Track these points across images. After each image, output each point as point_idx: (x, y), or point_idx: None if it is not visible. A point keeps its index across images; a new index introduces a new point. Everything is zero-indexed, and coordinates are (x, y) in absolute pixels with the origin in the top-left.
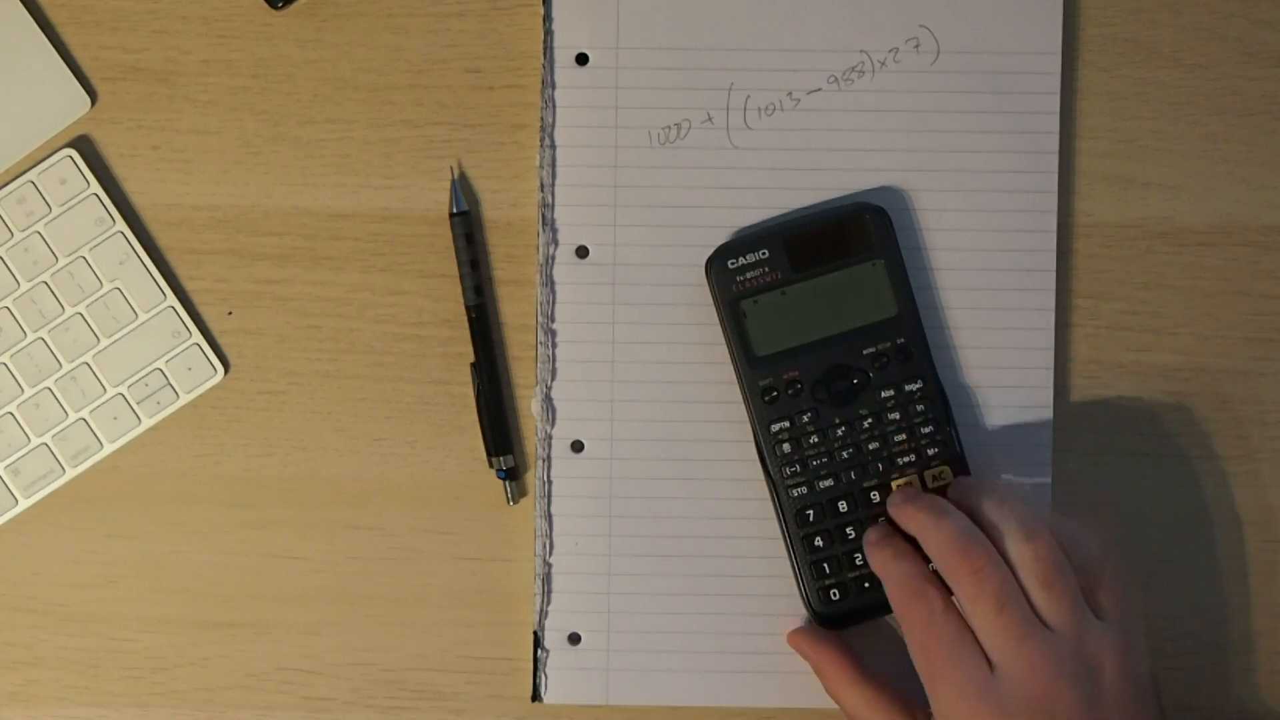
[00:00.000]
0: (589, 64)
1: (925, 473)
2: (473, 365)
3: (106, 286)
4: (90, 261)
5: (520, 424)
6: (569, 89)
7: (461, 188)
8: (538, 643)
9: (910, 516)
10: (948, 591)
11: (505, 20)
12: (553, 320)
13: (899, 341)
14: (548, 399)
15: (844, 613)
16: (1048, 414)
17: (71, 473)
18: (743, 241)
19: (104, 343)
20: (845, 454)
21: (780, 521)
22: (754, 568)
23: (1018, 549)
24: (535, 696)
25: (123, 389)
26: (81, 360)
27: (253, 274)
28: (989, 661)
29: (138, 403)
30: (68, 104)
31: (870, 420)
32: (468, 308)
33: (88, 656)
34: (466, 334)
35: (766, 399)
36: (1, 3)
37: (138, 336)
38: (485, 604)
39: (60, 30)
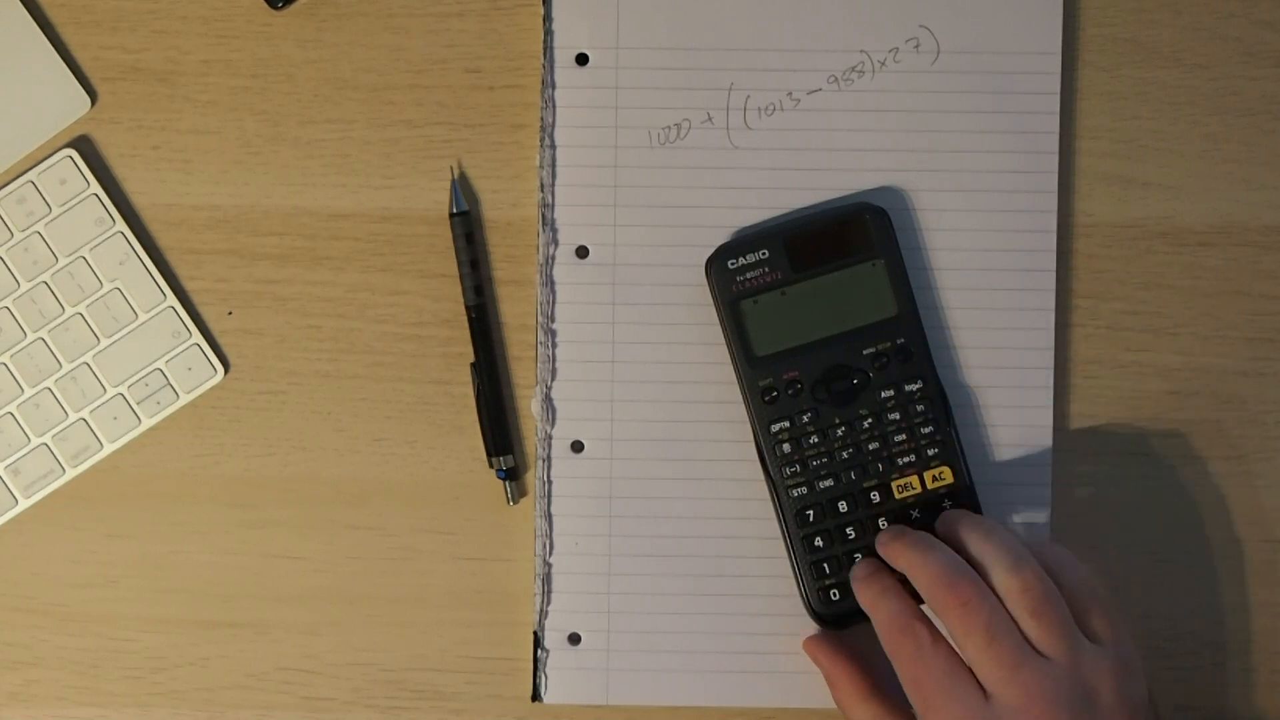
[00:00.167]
0: (589, 64)
1: (925, 473)
2: (473, 365)
3: (106, 286)
4: (90, 261)
5: (520, 424)
6: (569, 89)
7: (461, 188)
8: (538, 643)
9: (898, 554)
10: (936, 628)
11: (505, 20)
12: (553, 320)
13: (899, 341)
14: (548, 399)
15: (844, 613)
16: (1047, 414)
17: (71, 473)
18: (743, 241)
19: (104, 343)
20: (845, 454)
21: (780, 521)
22: (754, 568)
23: (1005, 581)
24: (535, 696)
25: (123, 389)
26: (81, 360)
27: (253, 274)
28: (985, 693)
29: (138, 403)
30: (68, 104)
31: (870, 420)
32: (468, 308)
33: (88, 656)
34: (466, 334)
35: (766, 399)
36: (1, 3)
37: (138, 336)
38: (485, 604)
39: (60, 30)
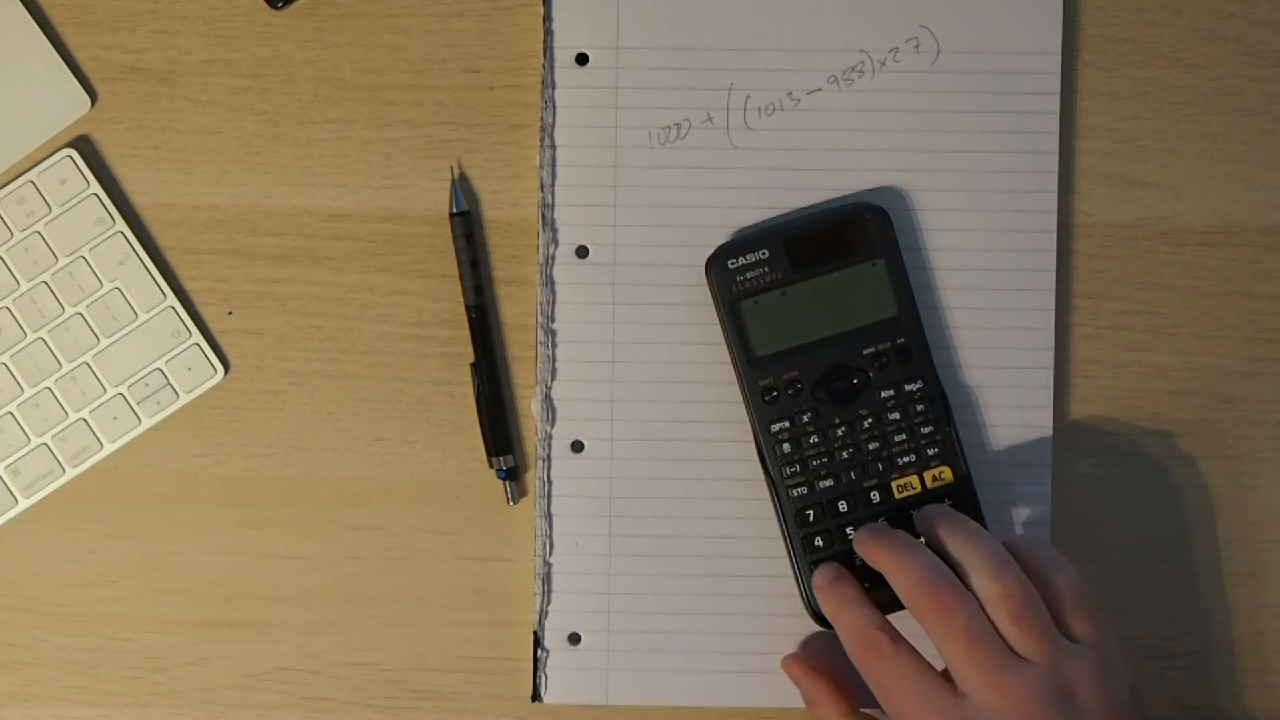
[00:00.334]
0: (589, 64)
1: (925, 472)
2: (473, 365)
3: (106, 286)
4: (90, 261)
5: (520, 424)
6: (569, 89)
7: (461, 188)
8: (538, 643)
9: (877, 555)
10: (899, 633)
11: (505, 20)
12: (553, 320)
13: (899, 341)
14: (548, 399)
15: None
16: (1047, 414)
17: (71, 473)
18: (743, 241)
19: (104, 343)
20: (845, 454)
21: (780, 521)
22: (754, 568)
23: (986, 587)
24: (535, 696)
25: (123, 389)
26: (81, 360)
27: (253, 274)
28: (958, 693)
29: (138, 403)
30: (68, 104)
31: (870, 420)
32: (468, 308)
33: (88, 656)
34: (466, 334)
35: (766, 399)
36: (2, 3)
37: (138, 336)
38: (485, 604)
39: (60, 30)
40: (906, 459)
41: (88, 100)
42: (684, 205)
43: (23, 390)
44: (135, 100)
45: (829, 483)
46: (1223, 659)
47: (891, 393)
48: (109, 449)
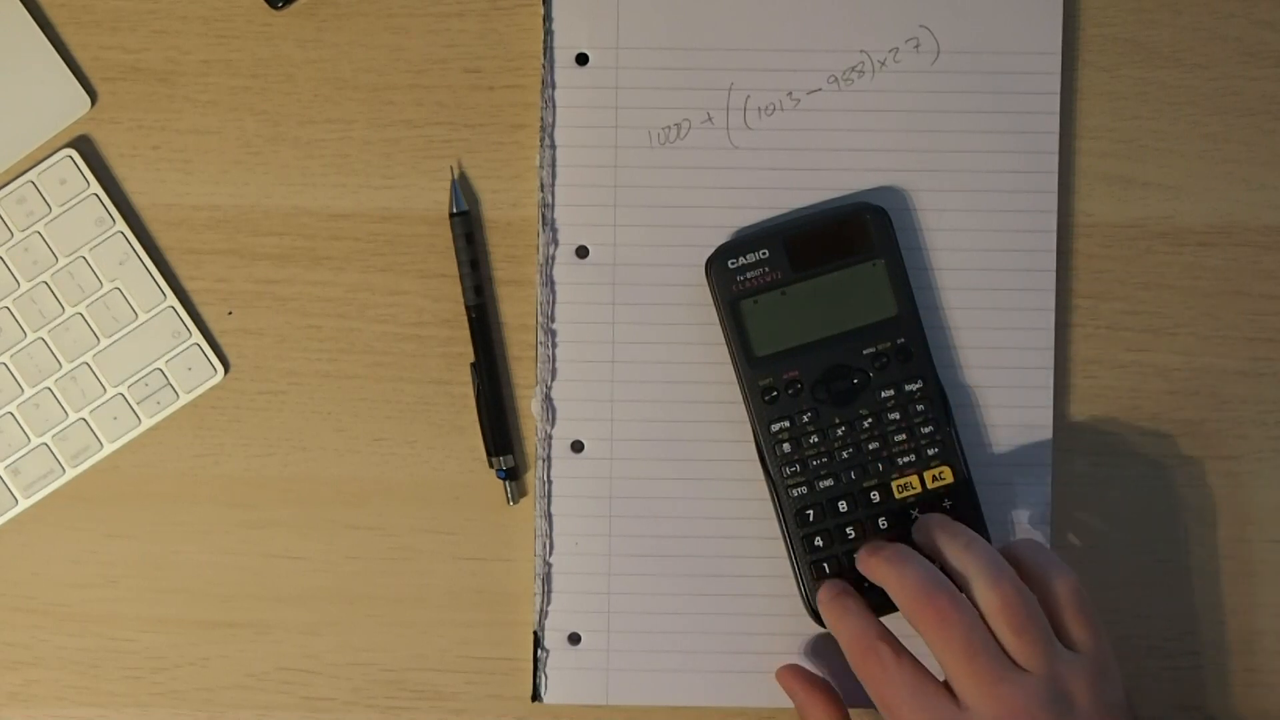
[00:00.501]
0: (589, 64)
1: (925, 472)
2: (473, 365)
3: (106, 286)
4: (90, 261)
5: (520, 424)
6: (569, 89)
7: (461, 188)
8: (538, 643)
9: (875, 568)
10: (900, 644)
11: (505, 20)
12: (553, 320)
13: (899, 341)
14: (548, 399)
15: None
16: (1048, 414)
17: (71, 473)
18: (743, 241)
19: (104, 343)
20: (845, 454)
21: (780, 521)
22: (754, 568)
23: (985, 596)
24: (535, 696)
25: (123, 389)
26: (81, 360)
27: (253, 274)
28: (959, 703)
29: (138, 403)
30: (68, 104)
31: (870, 420)
32: (468, 308)
33: (88, 656)
34: (466, 334)
35: (766, 399)
36: (2, 3)
37: (138, 336)
38: (485, 604)
39: (60, 30)
40: (906, 459)
41: (88, 100)
42: (684, 205)
43: (23, 390)
44: (135, 100)
45: (829, 483)
46: (1222, 659)
47: (891, 393)
48: (109, 449)
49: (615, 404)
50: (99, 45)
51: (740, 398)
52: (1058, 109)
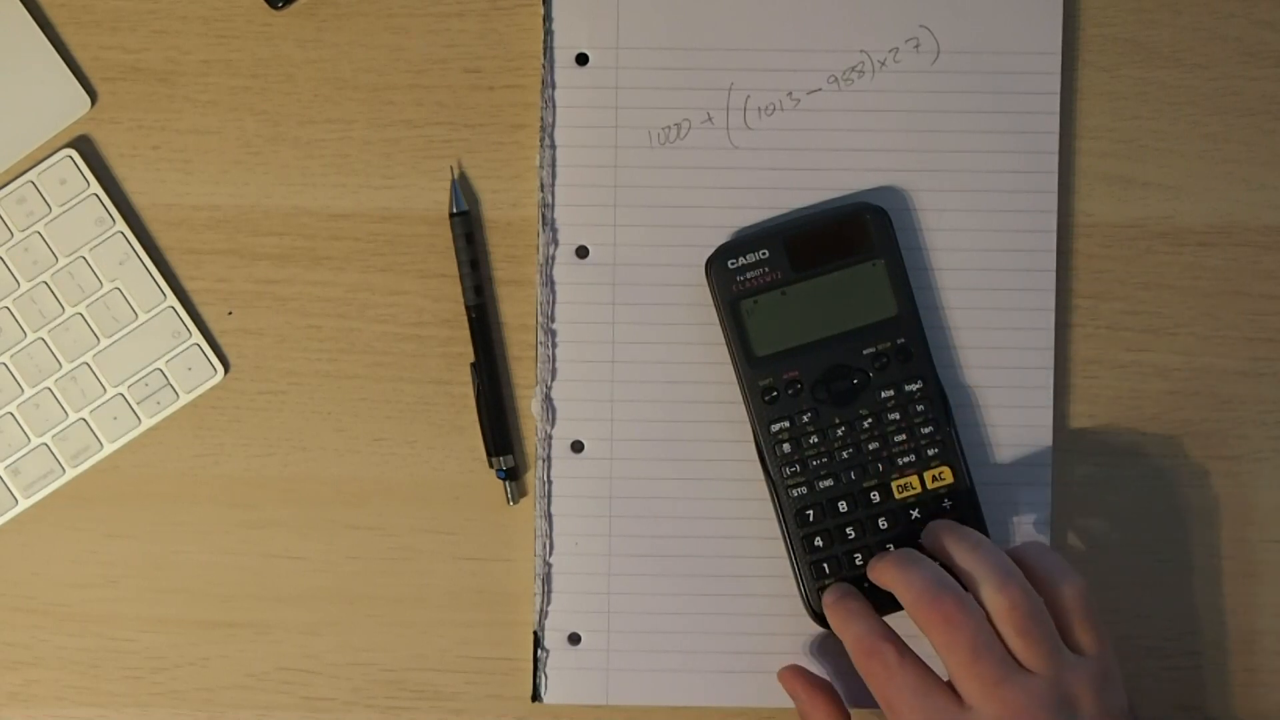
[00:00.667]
0: (589, 64)
1: (925, 473)
2: (473, 365)
3: (106, 286)
4: (90, 261)
5: (520, 424)
6: (569, 89)
7: (461, 188)
8: (538, 643)
9: (882, 572)
10: (905, 644)
11: (505, 20)
12: (553, 320)
13: (899, 341)
14: (548, 399)
15: None
16: (1047, 414)
17: (71, 473)
18: (743, 241)
19: (104, 343)
20: (845, 454)
21: (780, 521)
22: (754, 568)
23: (992, 598)
24: (535, 696)
25: (123, 389)
26: (81, 360)
27: (253, 274)
28: (962, 704)
29: (138, 403)
30: (68, 104)
31: (870, 420)
32: (468, 308)
33: (88, 656)
34: (466, 334)
35: (766, 399)
36: (2, 3)
37: (138, 336)
38: (485, 604)
39: (60, 30)
40: (906, 459)
41: (88, 100)
42: (684, 205)
43: (23, 390)
44: (135, 100)
45: (829, 483)
46: (1222, 659)
47: (891, 393)
48: (109, 449)
49: (615, 404)
50: (99, 45)
51: (740, 398)
52: (1058, 109)
